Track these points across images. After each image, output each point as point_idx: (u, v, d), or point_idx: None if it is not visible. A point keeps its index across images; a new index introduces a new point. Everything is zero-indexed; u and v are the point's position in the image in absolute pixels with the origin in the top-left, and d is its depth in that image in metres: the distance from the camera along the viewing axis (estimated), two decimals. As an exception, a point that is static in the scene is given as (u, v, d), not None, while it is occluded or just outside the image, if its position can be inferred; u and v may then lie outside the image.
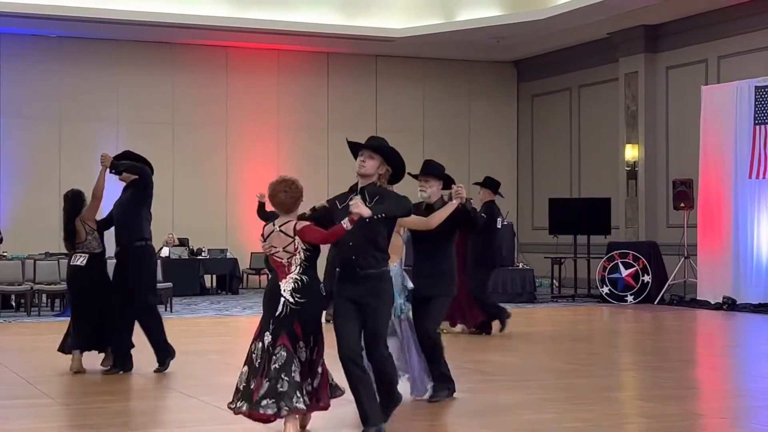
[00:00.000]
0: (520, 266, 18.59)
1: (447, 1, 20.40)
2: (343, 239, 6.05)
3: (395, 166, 6.34)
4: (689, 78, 19.03)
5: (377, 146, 6.29)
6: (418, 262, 7.76)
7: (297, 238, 6.11)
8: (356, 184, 6.32)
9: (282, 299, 6.14)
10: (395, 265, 7.35)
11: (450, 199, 7.91)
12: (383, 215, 6.07)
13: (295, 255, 6.14)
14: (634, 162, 20.01)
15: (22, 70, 20.23)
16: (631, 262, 17.79)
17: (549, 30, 20.11)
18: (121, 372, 9.10)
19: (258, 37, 20.71)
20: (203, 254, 19.95)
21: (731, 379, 9.87)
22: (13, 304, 16.89)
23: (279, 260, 6.19)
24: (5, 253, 17.79)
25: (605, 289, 17.99)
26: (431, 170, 8.20)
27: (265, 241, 6.24)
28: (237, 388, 6.17)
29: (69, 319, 9.41)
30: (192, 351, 10.63)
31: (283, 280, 6.16)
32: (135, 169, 9.10)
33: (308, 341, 6.21)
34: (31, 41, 20.24)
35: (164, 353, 9.22)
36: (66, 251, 9.64)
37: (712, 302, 16.76)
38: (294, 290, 6.14)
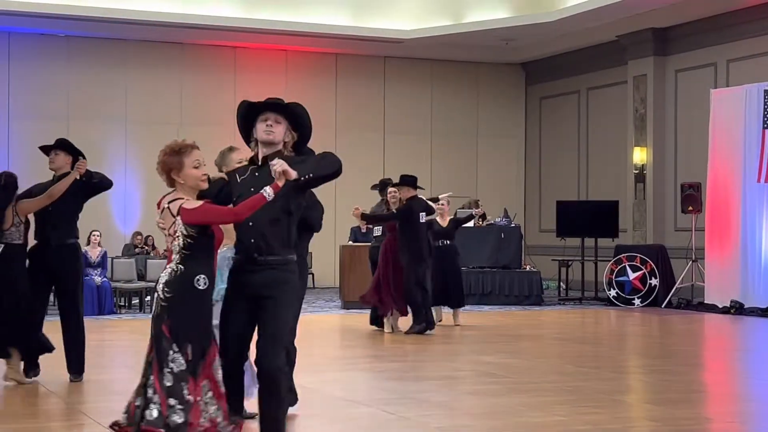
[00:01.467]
0: (527, 269, 18.56)
1: (456, 3, 20.38)
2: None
3: (305, 131, 5.46)
4: (698, 81, 18.99)
5: (286, 107, 5.44)
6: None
7: (178, 219, 5.05)
8: (256, 155, 5.36)
9: (155, 294, 5.13)
10: (224, 249, 6.20)
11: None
12: (310, 176, 5.10)
13: (175, 240, 5.08)
14: (643, 165, 19.97)
15: (31, 69, 20.26)
16: (639, 265, 17.74)
17: (558, 32, 20.09)
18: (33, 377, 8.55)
19: (266, 38, 20.72)
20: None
21: (739, 382, 9.84)
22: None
23: (167, 243, 5.19)
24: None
25: (612, 292, 17.95)
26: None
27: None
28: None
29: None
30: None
31: (164, 269, 5.13)
32: (105, 182, 8.75)
33: (183, 349, 4.98)
34: (40, 40, 20.27)
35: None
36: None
37: (720, 306, 16.71)
38: (166, 282, 5.04)
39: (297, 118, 5.44)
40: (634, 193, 20.13)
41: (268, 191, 4.96)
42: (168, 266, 5.08)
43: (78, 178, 8.50)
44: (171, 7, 19.29)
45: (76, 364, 8.45)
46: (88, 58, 20.61)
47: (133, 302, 16.72)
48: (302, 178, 5.03)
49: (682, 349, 12.31)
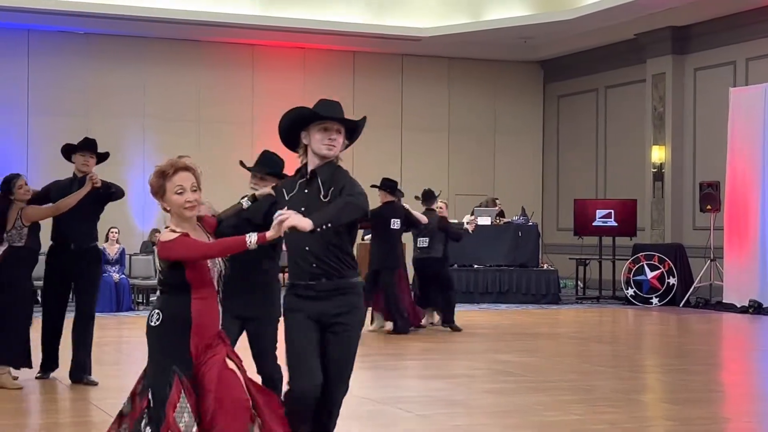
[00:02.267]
0: (545, 267, 18.54)
1: (474, 1, 20.36)
2: (296, 241, 4.65)
3: (354, 139, 4.99)
4: (717, 80, 18.90)
5: (350, 120, 4.89)
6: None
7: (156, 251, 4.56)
8: (304, 165, 4.89)
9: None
10: None
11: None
12: (328, 226, 4.54)
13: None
14: (661, 164, 19.90)
15: (50, 67, 20.35)
16: (657, 264, 17.69)
17: (576, 30, 20.04)
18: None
19: (284, 36, 20.75)
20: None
21: (757, 382, 9.80)
22: (39, 299, 17.01)
23: None
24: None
25: (630, 291, 17.90)
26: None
27: None
28: None
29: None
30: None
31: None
32: (120, 193, 8.71)
33: (139, 400, 4.53)
34: (59, 38, 20.35)
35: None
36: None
37: (738, 305, 16.64)
38: (149, 317, 4.54)
39: (356, 131, 4.94)
40: (652, 192, 20.06)
41: (252, 240, 4.37)
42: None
43: (94, 188, 8.43)
44: (189, 4, 19.34)
45: (83, 365, 8.37)
46: (106, 55, 20.67)
47: (150, 299, 16.78)
48: (318, 230, 4.50)
49: (700, 348, 12.27)
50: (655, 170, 20.00)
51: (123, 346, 11.68)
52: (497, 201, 19.50)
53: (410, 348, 11.76)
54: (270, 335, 5.85)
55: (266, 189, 5.02)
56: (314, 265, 4.72)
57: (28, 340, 8.33)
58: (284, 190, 4.88)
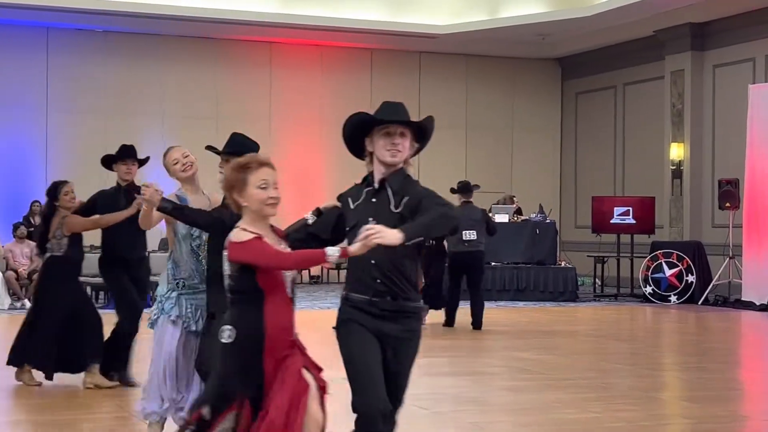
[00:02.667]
0: (563, 265, 18.50)
1: (491, -2, 20.34)
2: (362, 256, 4.18)
3: (426, 143, 4.63)
4: (736, 76, 18.81)
5: (411, 122, 4.53)
6: None
7: (225, 253, 4.25)
8: (371, 174, 4.47)
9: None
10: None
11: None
12: (419, 239, 4.26)
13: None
14: (680, 161, 19.82)
15: (69, 65, 20.42)
16: (675, 261, 17.62)
17: (594, 27, 19.97)
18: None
19: (301, 33, 20.77)
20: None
21: (776, 381, 9.75)
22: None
23: None
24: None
25: (648, 289, 17.84)
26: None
27: None
28: None
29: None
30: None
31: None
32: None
33: (191, 412, 4.39)
34: (78, 36, 20.43)
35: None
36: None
37: (757, 303, 16.56)
38: (220, 332, 4.26)
39: (424, 131, 4.56)
40: (671, 189, 19.98)
41: (333, 255, 4.07)
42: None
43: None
44: (207, 2, 19.37)
45: (126, 369, 8.35)
46: (125, 53, 20.74)
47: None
48: (409, 241, 4.13)
49: (718, 346, 12.22)
50: (673, 167, 19.92)
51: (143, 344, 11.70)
52: (515, 198, 19.46)
53: (427, 345, 11.75)
54: None
55: (331, 201, 4.57)
56: (378, 281, 4.30)
57: (53, 347, 8.21)
58: (349, 199, 4.45)
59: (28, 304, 15.77)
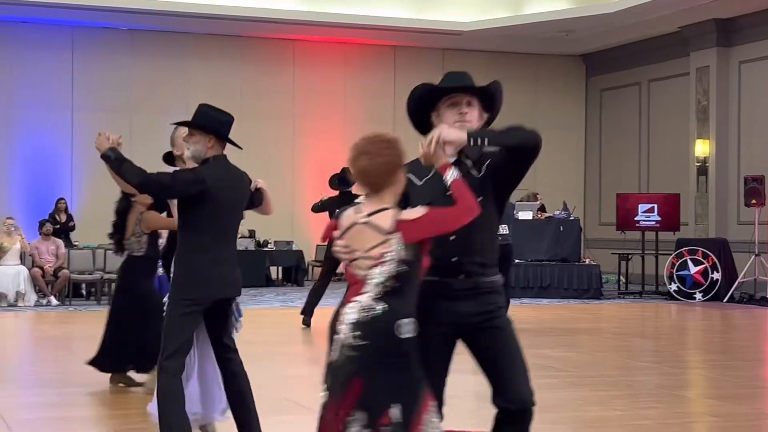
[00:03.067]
0: (587, 262, 18.43)
1: (515, -5, 20.29)
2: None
3: (496, 112, 4.29)
4: (762, 72, 18.69)
5: (482, 88, 4.15)
6: None
7: (395, 237, 3.72)
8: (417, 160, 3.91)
9: (335, 336, 3.78)
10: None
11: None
12: (485, 141, 3.86)
13: (379, 266, 3.73)
14: (705, 158, 19.71)
15: (94, 63, 20.54)
16: (701, 259, 17.53)
17: (619, 23, 19.88)
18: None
19: (325, 31, 20.80)
20: (269, 246, 20.25)
21: (803, 379, 9.69)
22: (84, 292, 17.21)
23: (356, 271, 3.80)
24: (77, 243, 18.11)
25: (673, 287, 17.76)
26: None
27: (335, 239, 3.86)
28: None
29: None
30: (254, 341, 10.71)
31: (350, 303, 3.78)
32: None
33: (375, 416, 3.69)
34: (103, 34, 20.54)
35: None
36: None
37: (784, 301, 16.48)
38: (355, 323, 3.72)
39: (492, 97, 4.21)
40: (696, 186, 19.88)
41: (453, 174, 3.76)
42: (356, 299, 3.74)
43: None
44: (231, 0, 19.44)
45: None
46: (149, 51, 20.84)
47: None
48: (474, 142, 3.76)
49: (744, 344, 12.15)
50: (698, 164, 19.81)
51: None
52: (538, 195, 19.41)
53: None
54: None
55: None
56: (454, 258, 3.86)
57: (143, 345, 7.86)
58: (411, 177, 3.93)
59: (54, 300, 15.96)
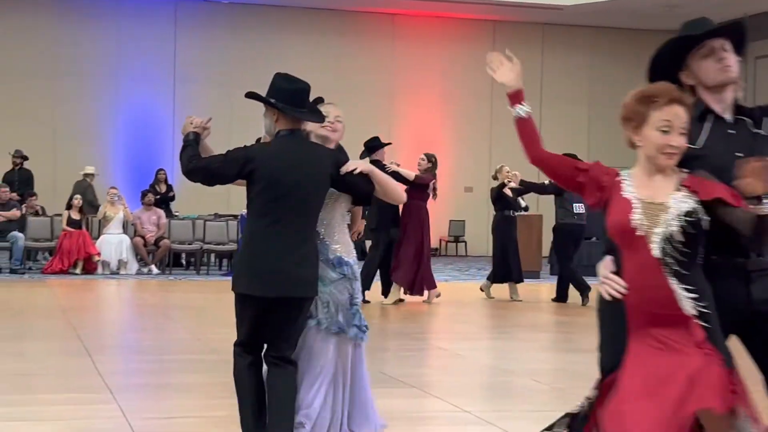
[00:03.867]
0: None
1: (618, -31, 19.93)
2: None
3: (742, 51, 3.82)
4: None
5: (730, 29, 3.79)
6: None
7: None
8: (696, 106, 3.58)
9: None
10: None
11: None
12: None
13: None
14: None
15: (195, 37, 20.85)
16: None
17: (725, -2, 19.38)
18: None
19: (424, 5, 20.72)
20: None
21: None
22: (183, 262, 17.53)
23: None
24: (177, 213, 18.43)
25: None
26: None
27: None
28: None
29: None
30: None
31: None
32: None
33: None
34: (204, 8, 20.82)
35: None
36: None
37: None
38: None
39: (744, 35, 3.82)
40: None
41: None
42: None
43: None
44: (331, -26, 19.51)
45: None
46: (248, 25, 21.05)
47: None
48: None
49: None
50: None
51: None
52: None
53: (543, 320, 11.68)
54: None
55: None
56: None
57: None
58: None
59: (155, 269, 16.29)
